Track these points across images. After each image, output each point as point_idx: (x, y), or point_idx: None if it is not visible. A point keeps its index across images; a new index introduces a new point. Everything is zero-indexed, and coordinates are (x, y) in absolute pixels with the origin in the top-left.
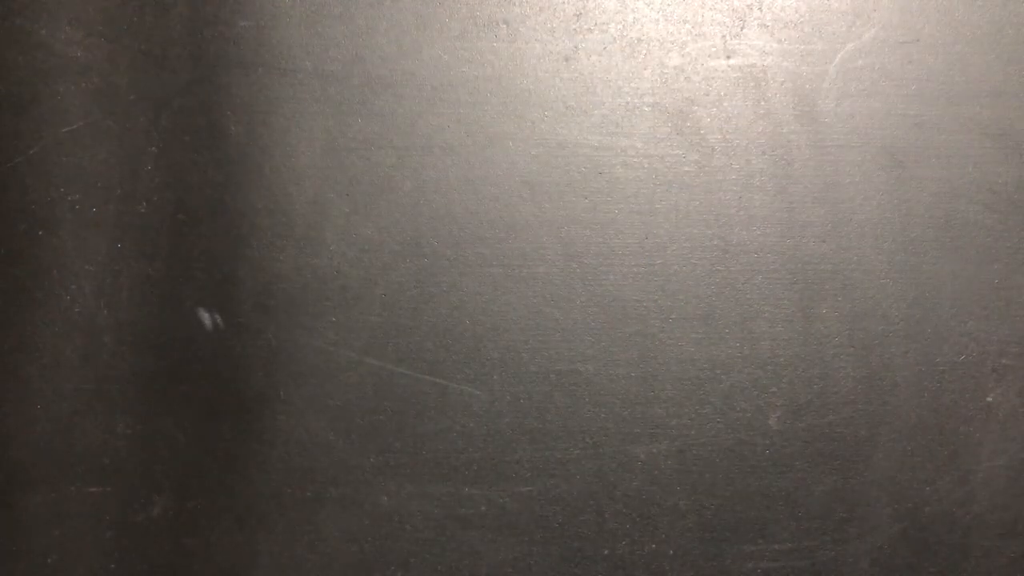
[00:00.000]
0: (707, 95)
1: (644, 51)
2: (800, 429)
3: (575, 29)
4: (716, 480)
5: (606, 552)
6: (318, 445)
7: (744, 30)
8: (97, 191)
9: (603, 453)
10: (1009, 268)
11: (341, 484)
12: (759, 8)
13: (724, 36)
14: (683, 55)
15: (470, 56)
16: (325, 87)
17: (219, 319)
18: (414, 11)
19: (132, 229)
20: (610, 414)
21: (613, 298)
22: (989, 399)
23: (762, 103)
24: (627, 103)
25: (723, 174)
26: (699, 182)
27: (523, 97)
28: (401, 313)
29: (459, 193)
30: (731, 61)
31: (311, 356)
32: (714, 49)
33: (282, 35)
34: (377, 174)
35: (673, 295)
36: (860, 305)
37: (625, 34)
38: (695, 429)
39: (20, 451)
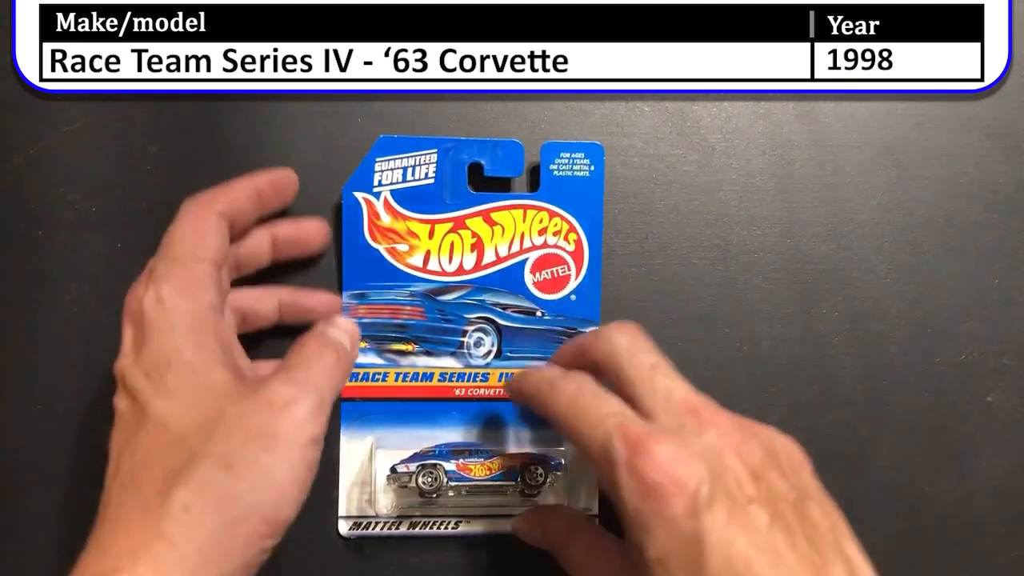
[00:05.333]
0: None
1: None
2: (800, 429)
3: None
4: None
5: None
6: None
7: None
8: (97, 191)
9: None
10: (1009, 268)
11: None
12: None
13: None
14: None
15: None
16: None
17: None
18: None
19: (132, 229)
20: None
21: (613, 298)
22: (989, 399)
23: (762, 103)
24: (627, 103)
25: (723, 174)
26: (699, 182)
27: (523, 97)
28: None
29: None
30: None
31: None
32: None
33: None
34: None
35: (673, 295)
36: (860, 305)
37: None
38: None
39: (20, 451)
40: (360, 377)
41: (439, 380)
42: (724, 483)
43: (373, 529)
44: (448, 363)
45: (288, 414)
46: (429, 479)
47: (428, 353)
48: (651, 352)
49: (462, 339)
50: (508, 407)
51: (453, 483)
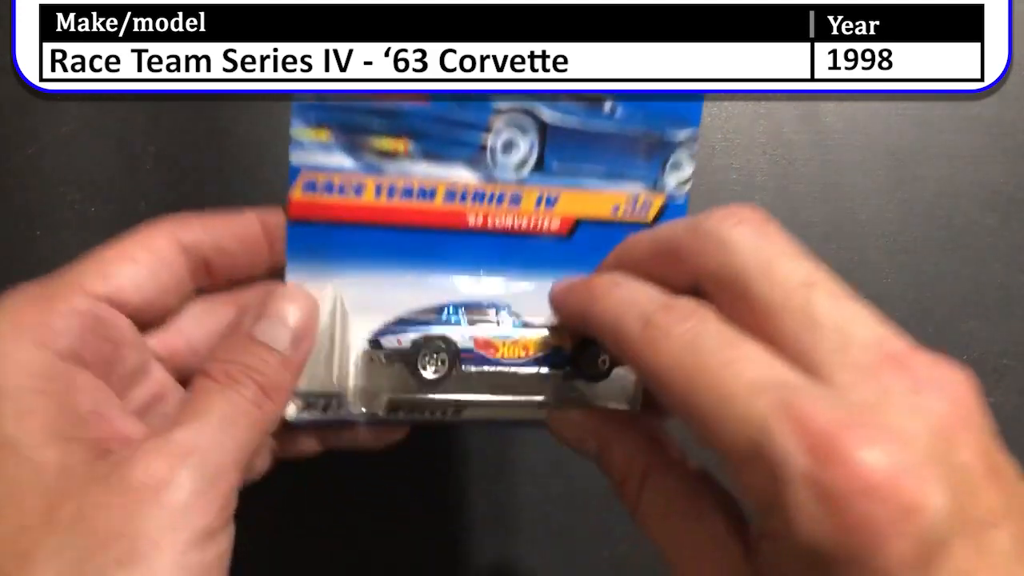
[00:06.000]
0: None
1: None
2: None
3: None
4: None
5: (606, 552)
6: None
7: None
8: (97, 191)
9: None
10: (1009, 268)
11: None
12: None
13: None
14: None
15: None
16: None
17: None
18: None
19: (132, 229)
20: None
21: None
22: (989, 399)
23: (762, 103)
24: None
25: (723, 174)
26: (700, 182)
27: None
28: None
29: None
30: None
31: None
32: None
33: None
34: None
35: None
36: None
37: None
38: None
39: None
40: (320, 188)
41: (445, 200)
42: (962, 500)
43: (334, 413)
44: (460, 174)
45: (157, 504)
46: (432, 363)
47: (429, 157)
48: (798, 259)
49: (484, 138)
50: (555, 246)
51: (469, 368)
